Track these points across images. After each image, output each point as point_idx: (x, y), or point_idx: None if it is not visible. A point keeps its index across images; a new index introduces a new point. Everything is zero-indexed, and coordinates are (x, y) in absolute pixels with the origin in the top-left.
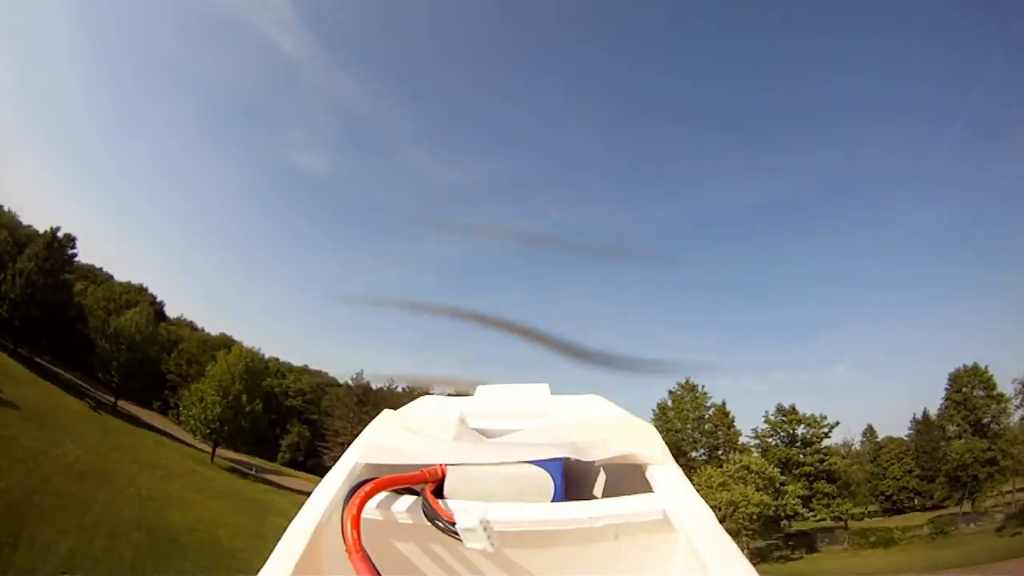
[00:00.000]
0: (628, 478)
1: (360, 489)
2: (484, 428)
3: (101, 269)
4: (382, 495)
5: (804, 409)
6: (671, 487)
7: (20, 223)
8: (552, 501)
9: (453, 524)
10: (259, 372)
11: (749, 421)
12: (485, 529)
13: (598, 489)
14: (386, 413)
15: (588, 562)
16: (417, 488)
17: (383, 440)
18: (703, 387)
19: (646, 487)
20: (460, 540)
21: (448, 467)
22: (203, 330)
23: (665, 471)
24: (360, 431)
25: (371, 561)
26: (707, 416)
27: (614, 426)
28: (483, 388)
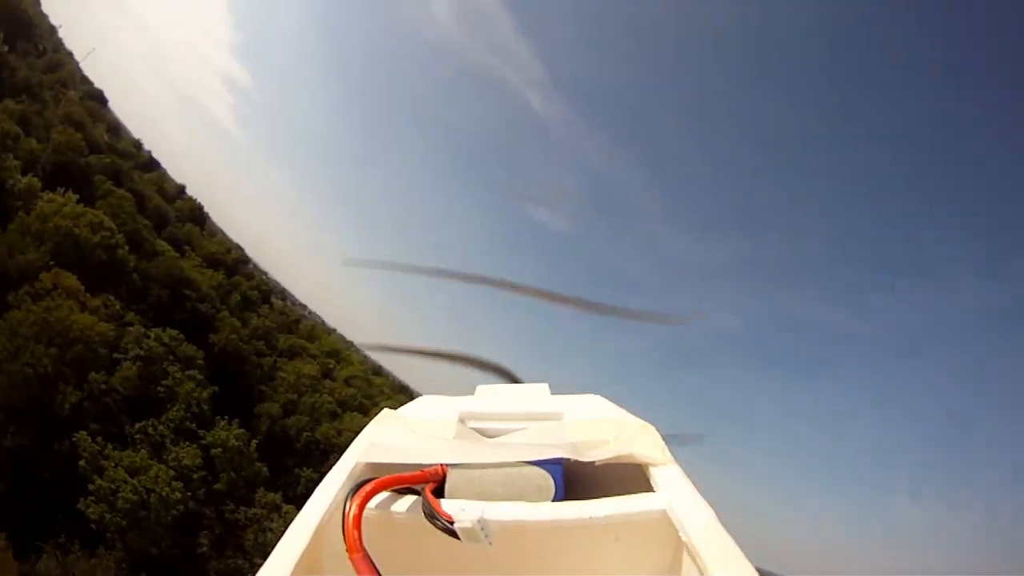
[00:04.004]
0: (628, 478)
1: (361, 489)
2: (484, 428)
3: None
4: (383, 495)
5: None
6: (671, 487)
7: None
8: (552, 501)
9: (453, 524)
10: None
11: None
12: (485, 529)
13: (598, 489)
14: (386, 412)
15: (588, 562)
16: (418, 488)
17: (383, 440)
18: None
19: (646, 487)
20: (460, 539)
21: (448, 467)
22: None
23: (665, 471)
24: None
25: (372, 561)
26: None
27: (614, 426)
28: (483, 388)
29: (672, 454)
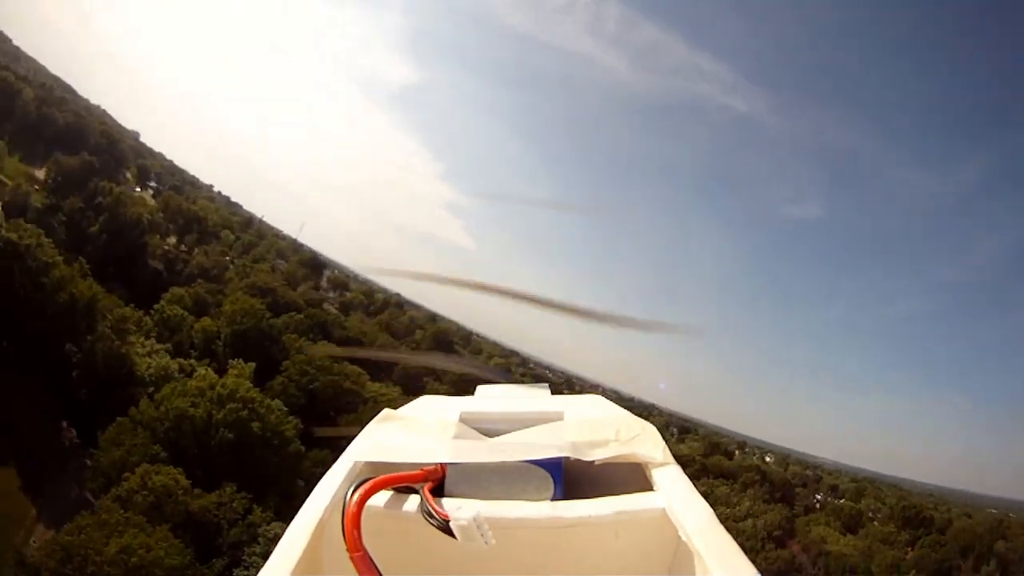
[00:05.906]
0: (628, 478)
1: (360, 488)
2: (484, 428)
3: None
4: (383, 494)
5: None
6: (671, 486)
7: None
8: (552, 500)
9: (449, 522)
10: None
11: None
12: (481, 527)
13: (598, 488)
14: (386, 412)
15: (588, 561)
16: (417, 487)
17: (383, 439)
18: None
19: (646, 486)
20: (460, 539)
21: (448, 466)
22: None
23: (665, 471)
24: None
25: (372, 560)
26: None
27: (614, 426)
28: (483, 388)
29: (672, 454)
